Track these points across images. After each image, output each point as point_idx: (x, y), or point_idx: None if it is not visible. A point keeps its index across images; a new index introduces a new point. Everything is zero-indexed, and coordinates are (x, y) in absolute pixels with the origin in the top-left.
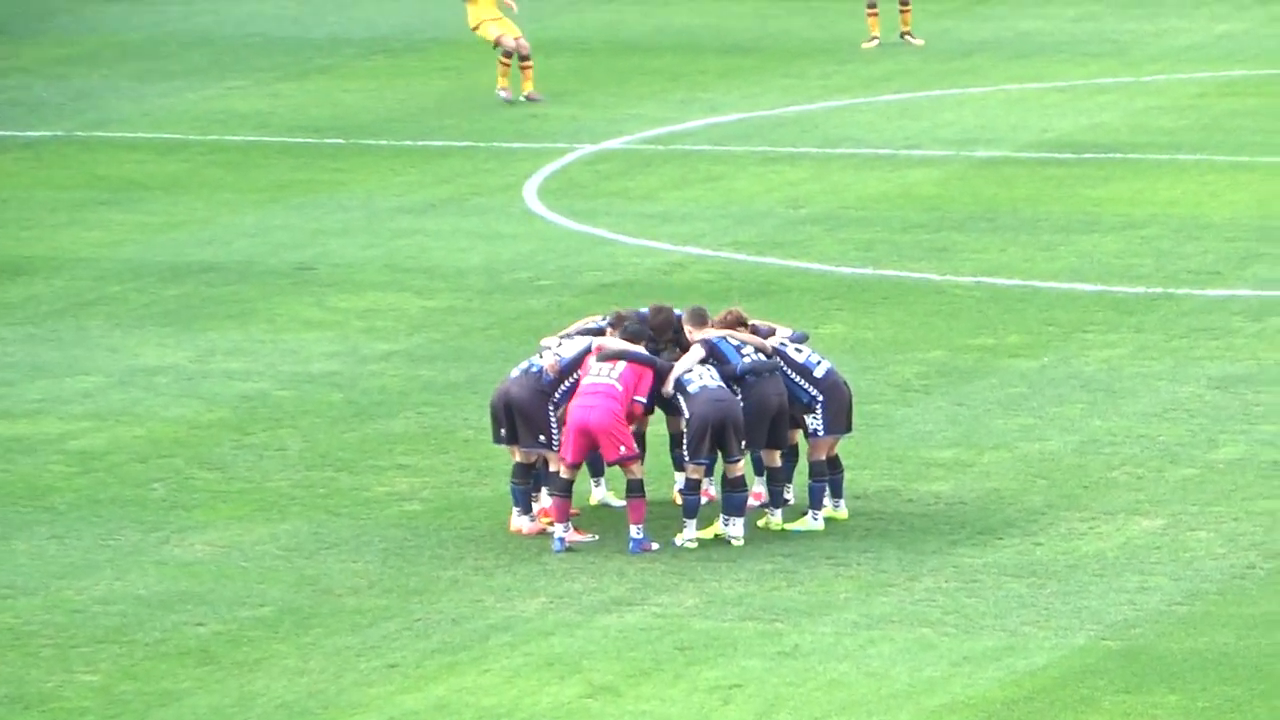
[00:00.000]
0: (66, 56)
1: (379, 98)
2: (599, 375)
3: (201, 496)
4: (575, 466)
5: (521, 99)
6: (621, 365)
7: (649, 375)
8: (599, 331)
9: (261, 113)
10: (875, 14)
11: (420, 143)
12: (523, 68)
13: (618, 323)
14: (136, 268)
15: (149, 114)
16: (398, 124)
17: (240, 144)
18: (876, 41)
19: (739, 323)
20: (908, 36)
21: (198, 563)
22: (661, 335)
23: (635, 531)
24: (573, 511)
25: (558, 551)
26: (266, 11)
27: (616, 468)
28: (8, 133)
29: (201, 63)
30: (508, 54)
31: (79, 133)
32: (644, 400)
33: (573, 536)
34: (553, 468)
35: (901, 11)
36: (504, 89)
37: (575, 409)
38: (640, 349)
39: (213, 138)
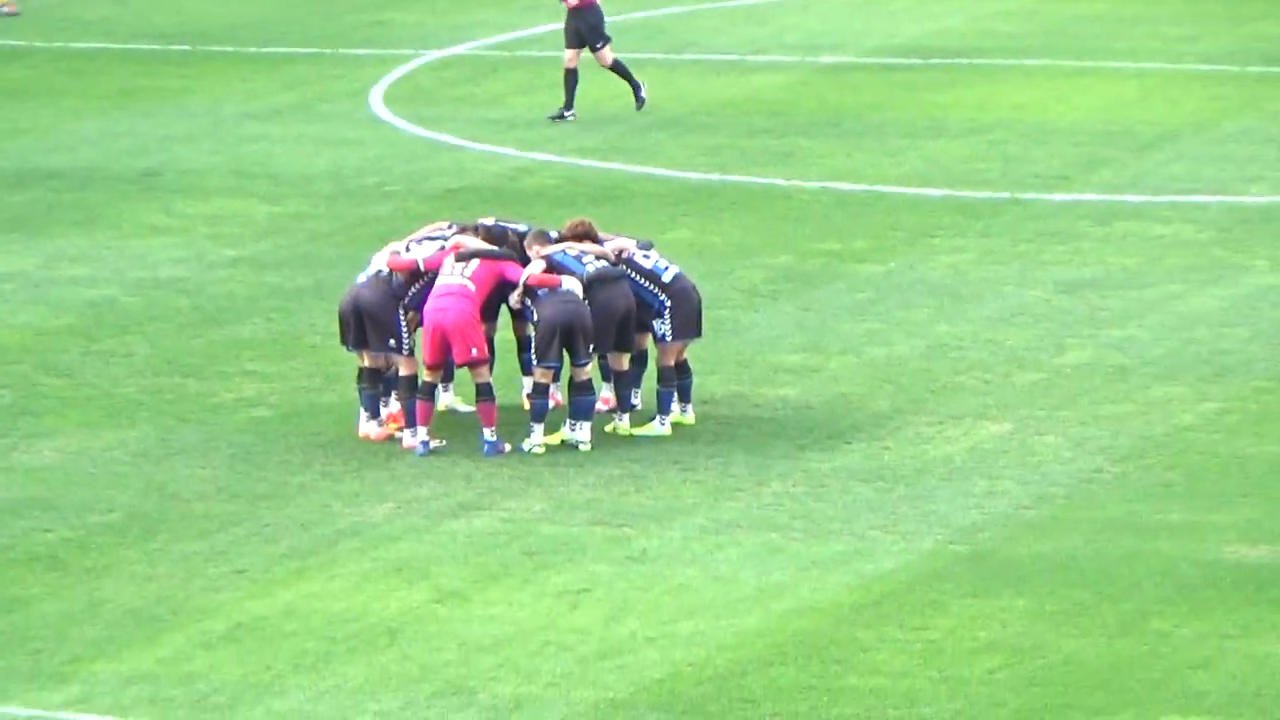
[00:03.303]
0: None
1: (224, 5)
2: (452, 275)
3: (49, 403)
4: (435, 368)
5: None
6: (475, 264)
7: (510, 265)
8: (447, 238)
9: (106, 19)
10: None
11: (266, 49)
12: None
13: (460, 231)
14: None
15: None
16: (243, 30)
17: (85, 50)
18: None
19: (588, 235)
20: None
21: (46, 469)
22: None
23: (488, 434)
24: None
25: (421, 455)
26: None
27: (466, 372)
28: None
29: None
30: None
31: None
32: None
33: (434, 442)
34: (403, 372)
35: None
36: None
37: (430, 310)
38: (497, 249)
39: (57, 45)
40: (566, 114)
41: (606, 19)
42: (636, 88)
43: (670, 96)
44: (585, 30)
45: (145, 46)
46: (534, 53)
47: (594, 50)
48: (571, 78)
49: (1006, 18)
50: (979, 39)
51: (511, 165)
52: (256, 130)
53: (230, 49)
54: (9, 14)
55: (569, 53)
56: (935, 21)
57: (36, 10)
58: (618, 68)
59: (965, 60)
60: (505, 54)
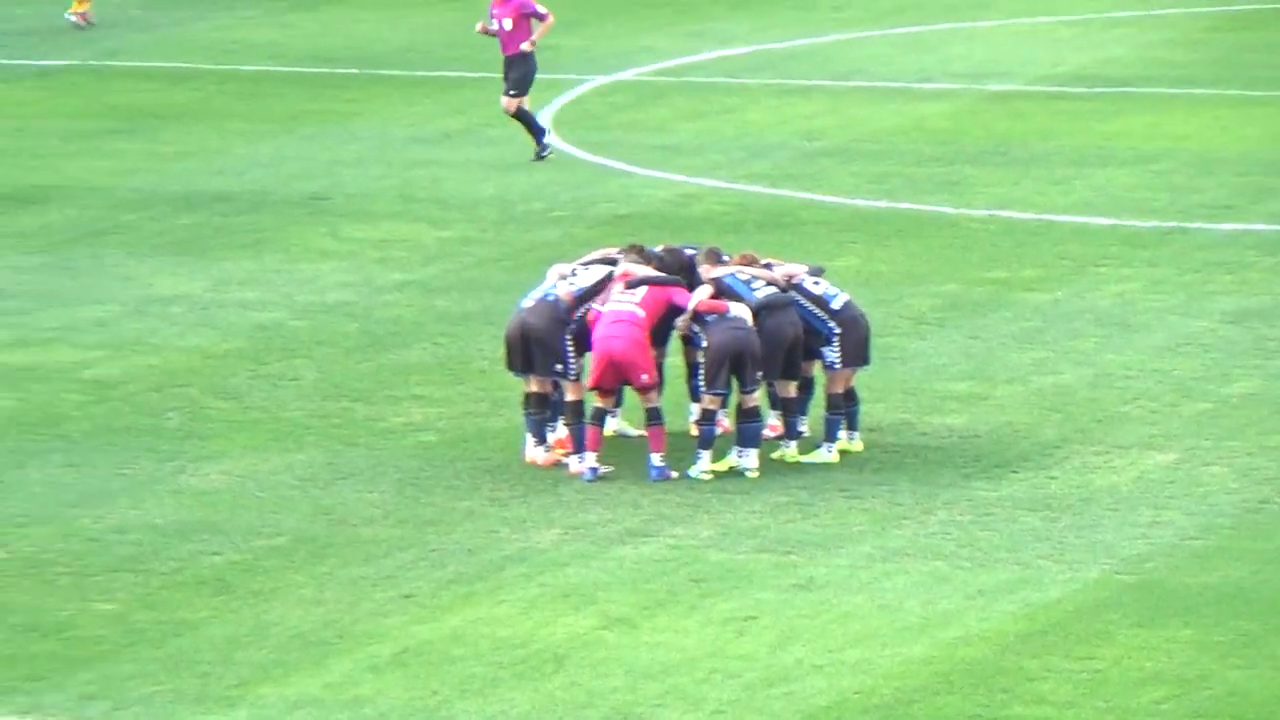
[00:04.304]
0: None
1: (392, 28)
2: (621, 302)
3: (217, 426)
4: (606, 394)
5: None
6: (643, 290)
7: (679, 291)
8: (616, 261)
9: (274, 42)
10: None
11: (434, 73)
12: None
13: (631, 252)
14: (150, 197)
15: (160, 43)
16: (412, 54)
17: (252, 74)
18: None
19: (751, 264)
20: None
21: (213, 492)
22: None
23: (656, 460)
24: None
25: (589, 481)
26: None
27: (635, 397)
28: (22, 62)
29: None
30: None
31: (91, 61)
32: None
33: (602, 468)
34: (569, 397)
35: None
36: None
37: (600, 338)
38: (665, 275)
39: (225, 67)
40: (544, 154)
41: (769, 45)
42: (540, 135)
43: (838, 124)
44: (517, 77)
45: (313, 70)
46: (701, 79)
47: (505, 93)
48: (524, 118)
49: (1172, 47)
50: (1145, 68)
51: (679, 191)
52: (424, 155)
53: (399, 72)
54: (81, 24)
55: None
56: (1101, 50)
57: (204, 32)
58: (520, 116)
59: (1131, 89)
60: (672, 80)
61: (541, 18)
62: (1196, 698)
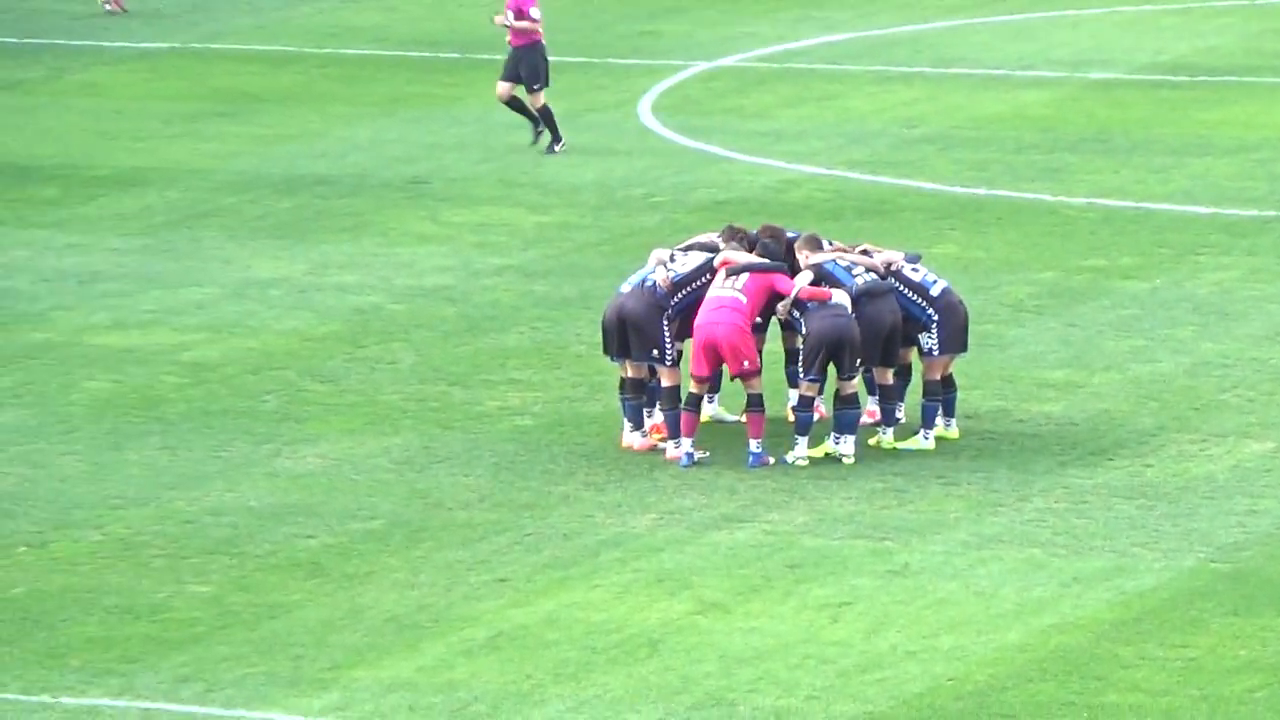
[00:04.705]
0: None
1: (495, 12)
2: (724, 288)
3: (313, 409)
4: (704, 380)
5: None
6: (745, 277)
7: (780, 278)
8: (715, 247)
9: (377, 26)
10: None
11: None
12: None
13: (730, 236)
14: (250, 180)
15: (264, 26)
16: None
17: (355, 57)
18: None
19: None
20: None
21: (308, 475)
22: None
23: (755, 445)
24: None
25: (685, 466)
26: None
27: (731, 383)
28: (123, 44)
29: None
30: None
31: (194, 44)
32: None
33: (699, 453)
34: (665, 383)
35: None
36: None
37: (701, 324)
38: (768, 261)
39: (327, 50)
40: (556, 147)
41: (872, 31)
42: (554, 133)
43: (938, 111)
44: (525, 71)
45: (415, 54)
46: (802, 65)
47: (529, 90)
48: (515, 104)
49: (1275, 36)
50: (1247, 57)
51: (778, 177)
52: (525, 139)
53: (500, 57)
54: (114, 11)
55: (503, 85)
56: (1204, 39)
57: (307, 15)
58: (544, 113)
59: (1233, 78)
60: (774, 66)
61: (531, 18)
62: None
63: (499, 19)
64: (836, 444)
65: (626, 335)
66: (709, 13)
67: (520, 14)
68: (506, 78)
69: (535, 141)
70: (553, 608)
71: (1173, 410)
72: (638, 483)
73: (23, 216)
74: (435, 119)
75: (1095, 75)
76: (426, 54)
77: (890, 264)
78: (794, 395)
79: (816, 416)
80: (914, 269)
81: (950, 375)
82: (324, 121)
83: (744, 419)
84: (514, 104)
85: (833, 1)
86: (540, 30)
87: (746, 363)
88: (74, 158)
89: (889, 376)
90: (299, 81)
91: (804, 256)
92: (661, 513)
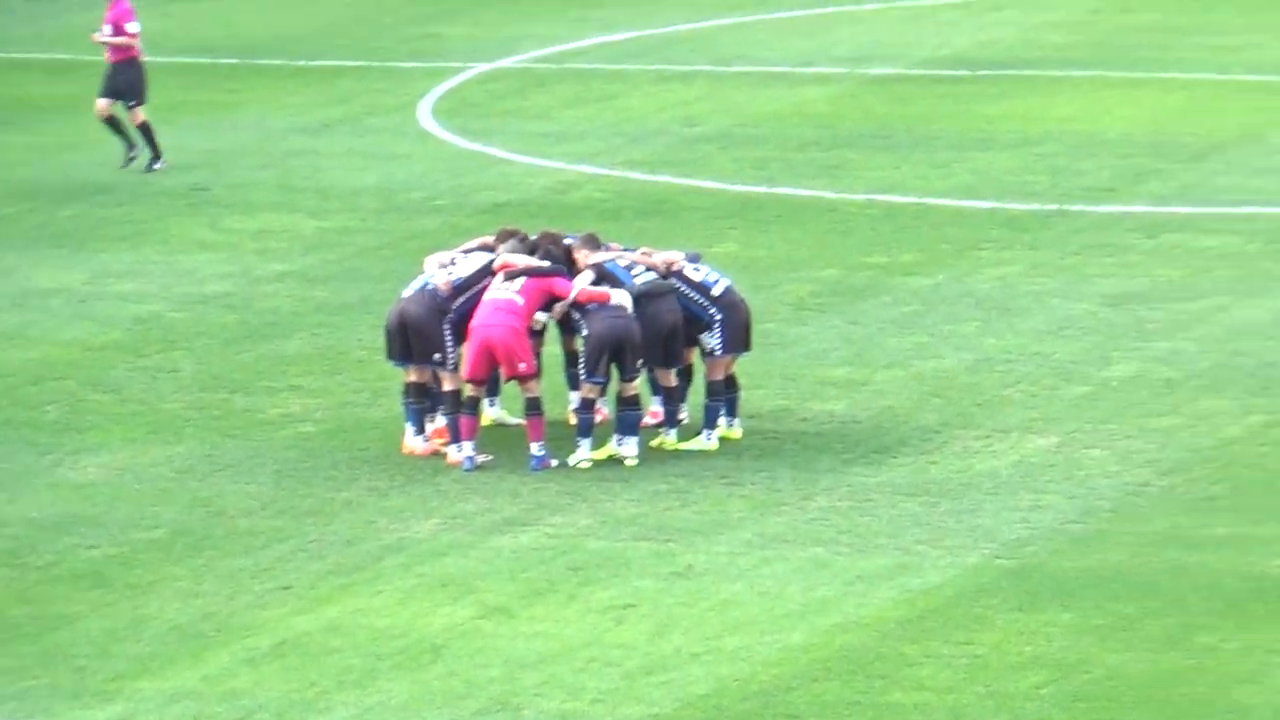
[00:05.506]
0: None
1: (273, 17)
2: (501, 290)
3: (95, 419)
4: (479, 383)
5: None
6: (522, 279)
7: (559, 280)
8: (494, 249)
9: (154, 33)
10: None
11: (314, 63)
12: None
13: (505, 238)
14: (30, 189)
15: (41, 34)
16: (292, 44)
17: None
18: None
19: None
20: None
21: (91, 485)
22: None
23: (536, 449)
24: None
25: (468, 470)
26: None
27: (514, 386)
28: None
29: None
30: None
31: None
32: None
33: (481, 457)
34: (447, 386)
35: None
36: None
37: (477, 326)
38: (546, 264)
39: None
40: (156, 164)
41: (651, 30)
42: (154, 150)
43: (718, 109)
44: (124, 88)
45: (193, 60)
46: (582, 65)
47: (128, 108)
48: (113, 123)
49: (1055, 29)
50: (1027, 50)
51: (559, 179)
52: (304, 144)
53: (278, 62)
54: None
55: (101, 102)
56: (984, 33)
57: (86, 24)
58: (144, 130)
59: (1014, 72)
60: (553, 67)
61: (128, 34)
62: (1075, 681)
63: (96, 35)
64: (619, 446)
65: (408, 339)
66: (488, 14)
67: (118, 29)
68: (105, 94)
69: (128, 164)
70: (336, 614)
71: (956, 406)
72: (420, 487)
73: None
74: (214, 125)
75: (876, 71)
76: (204, 60)
77: (670, 264)
78: (575, 398)
79: (598, 418)
80: (695, 268)
81: (733, 375)
82: (103, 130)
83: (525, 423)
84: (111, 123)
85: (611, 1)
86: (138, 45)
87: (522, 365)
88: None
89: (671, 377)
90: (77, 90)
91: (583, 256)
92: (444, 517)
